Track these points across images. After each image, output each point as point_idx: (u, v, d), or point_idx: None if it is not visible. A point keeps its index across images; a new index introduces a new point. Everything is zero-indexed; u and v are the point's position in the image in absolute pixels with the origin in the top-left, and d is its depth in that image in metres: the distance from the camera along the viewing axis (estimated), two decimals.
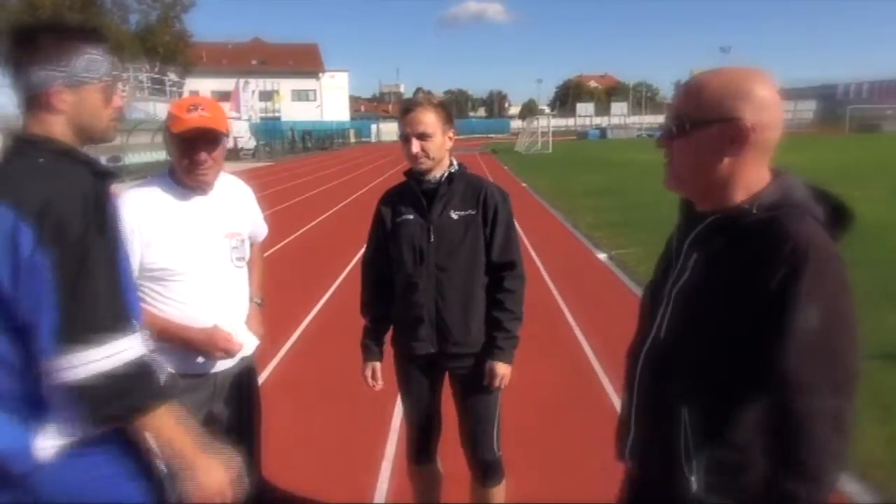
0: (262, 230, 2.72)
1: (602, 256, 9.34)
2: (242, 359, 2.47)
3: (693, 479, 1.43)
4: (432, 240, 2.56)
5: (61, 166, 1.55)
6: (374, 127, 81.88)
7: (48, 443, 1.50)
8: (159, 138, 29.94)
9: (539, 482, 3.27)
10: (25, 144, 1.57)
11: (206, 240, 2.34)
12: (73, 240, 1.44)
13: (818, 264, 1.28)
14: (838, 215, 1.40)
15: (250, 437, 2.52)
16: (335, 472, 3.62)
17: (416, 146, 2.49)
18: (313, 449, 3.88)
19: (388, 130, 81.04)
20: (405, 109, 2.54)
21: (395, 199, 2.68)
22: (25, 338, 1.45)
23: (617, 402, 4.45)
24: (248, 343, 2.47)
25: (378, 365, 2.77)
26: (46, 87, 1.56)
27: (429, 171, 2.56)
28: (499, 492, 2.79)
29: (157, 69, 43.23)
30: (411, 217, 2.60)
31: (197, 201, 2.35)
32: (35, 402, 1.50)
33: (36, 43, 1.57)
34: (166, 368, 1.77)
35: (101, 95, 1.64)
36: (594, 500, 3.34)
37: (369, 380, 2.79)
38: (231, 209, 2.46)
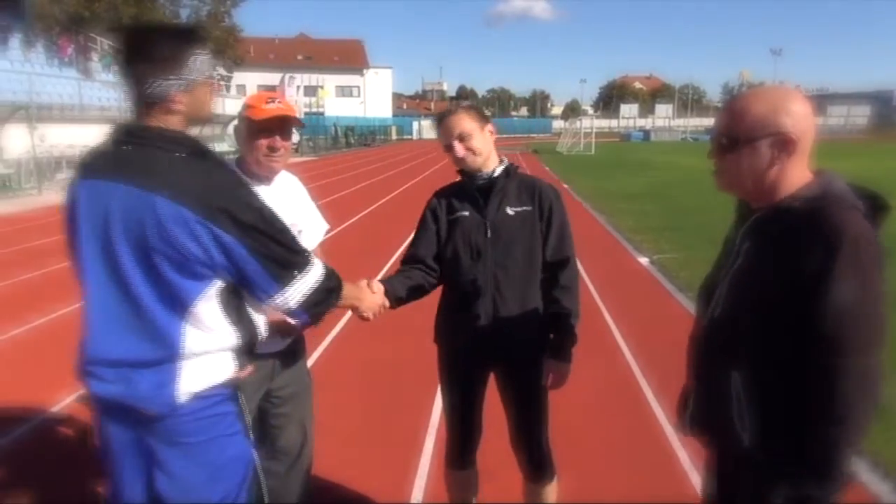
0: (321, 228, 2.82)
1: (643, 261, 9.25)
2: (294, 340, 2.62)
3: (745, 435, 1.65)
4: (489, 236, 2.57)
5: (203, 162, 1.77)
6: (415, 124, 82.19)
7: (185, 389, 1.73)
8: (207, 131, 30.59)
9: (577, 482, 3.29)
10: (160, 138, 1.73)
11: None
12: (242, 217, 1.70)
13: (852, 245, 1.49)
14: (876, 207, 1.61)
15: (304, 409, 2.74)
16: (373, 468, 3.67)
17: (459, 149, 2.55)
18: (351, 443, 3.94)
19: (430, 128, 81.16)
20: (439, 120, 2.61)
21: (449, 196, 2.69)
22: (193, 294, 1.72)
23: (655, 404, 4.45)
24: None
25: (381, 286, 2.53)
26: (167, 96, 1.74)
27: (480, 168, 2.59)
28: (553, 489, 2.81)
29: None
30: (467, 214, 2.61)
31: (261, 191, 2.45)
32: (179, 358, 1.73)
33: (152, 55, 1.72)
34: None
35: (208, 89, 1.83)
36: (632, 500, 3.35)
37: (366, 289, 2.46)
38: (289, 201, 2.59)
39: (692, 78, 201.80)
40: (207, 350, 1.77)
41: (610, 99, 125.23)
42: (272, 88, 51.31)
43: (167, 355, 1.72)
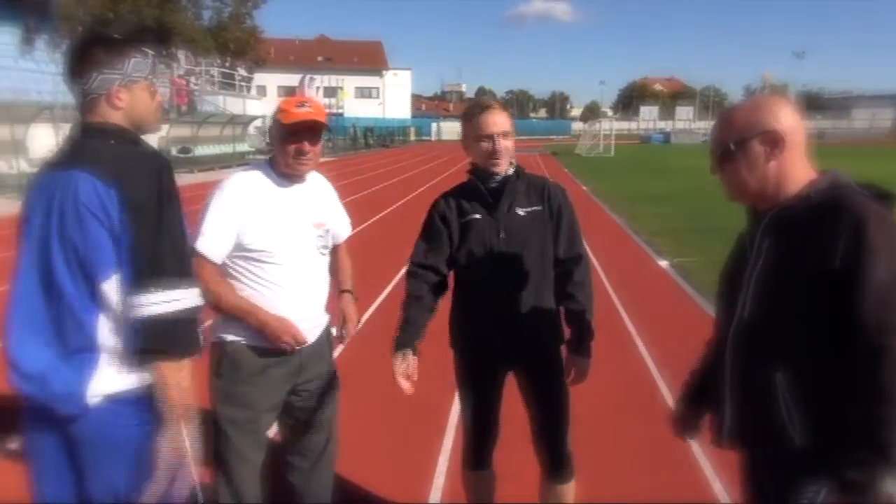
0: (345, 227, 2.86)
1: (663, 264, 9.19)
2: (322, 334, 2.67)
3: (796, 435, 1.62)
4: (503, 237, 2.57)
5: (131, 147, 1.86)
6: (434, 125, 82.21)
7: (97, 390, 1.75)
8: (228, 131, 30.94)
9: (595, 483, 3.28)
10: (97, 130, 1.86)
11: (297, 227, 2.51)
12: (146, 204, 1.74)
13: (880, 227, 1.52)
14: (881, 198, 1.64)
15: (330, 405, 2.77)
16: (390, 469, 3.69)
17: (501, 144, 2.54)
18: (368, 445, 3.95)
19: (449, 129, 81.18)
20: (483, 110, 2.56)
21: (458, 198, 2.66)
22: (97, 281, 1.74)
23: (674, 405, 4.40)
24: (325, 317, 2.70)
25: (415, 360, 2.54)
26: (108, 89, 1.85)
27: (503, 170, 2.59)
28: (571, 489, 2.80)
29: (227, 64, 44.41)
30: (479, 216, 2.60)
31: (292, 190, 2.54)
32: (93, 350, 1.76)
33: (92, 55, 1.86)
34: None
35: (147, 92, 1.93)
36: (650, 501, 3.33)
37: (403, 376, 2.54)
38: (318, 201, 2.64)
39: (714, 80, 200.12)
40: (121, 345, 1.77)
41: (630, 101, 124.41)
42: (292, 89, 51.58)
43: (81, 345, 1.73)
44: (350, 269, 2.89)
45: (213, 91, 37.77)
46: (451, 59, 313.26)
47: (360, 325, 2.82)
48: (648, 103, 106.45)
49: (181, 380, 1.82)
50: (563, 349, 2.74)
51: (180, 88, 30.32)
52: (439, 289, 2.67)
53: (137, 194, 1.72)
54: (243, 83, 45.31)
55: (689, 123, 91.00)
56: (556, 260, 2.66)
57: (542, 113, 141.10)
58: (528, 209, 2.61)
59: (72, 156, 1.79)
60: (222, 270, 2.48)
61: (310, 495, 2.74)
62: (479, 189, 2.63)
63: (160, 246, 1.76)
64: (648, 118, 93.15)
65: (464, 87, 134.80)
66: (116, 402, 1.76)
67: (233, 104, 37.45)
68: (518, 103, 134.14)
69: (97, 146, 1.80)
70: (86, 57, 1.85)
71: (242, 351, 2.45)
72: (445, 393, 4.52)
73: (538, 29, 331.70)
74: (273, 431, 2.73)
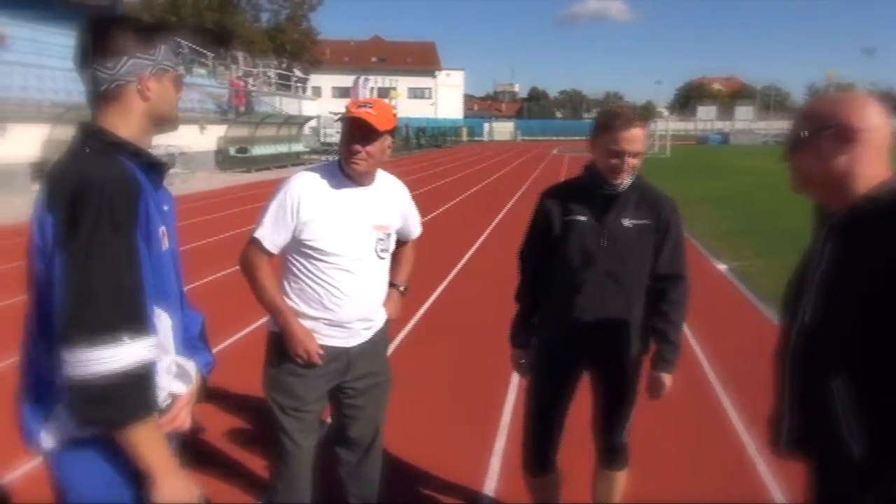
0: (416, 229, 2.86)
1: (722, 267, 8.97)
2: (376, 334, 2.67)
3: (854, 446, 1.55)
4: (604, 245, 2.53)
5: (100, 157, 1.55)
6: (486, 126, 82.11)
7: (50, 435, 1.55)
8: (284, 131, 31.57)
9: (652, 482, 3.25)
10: (86, 135, 1.61)
11: (356, 227, 2.52)
12: (83, 235, 1.43)
13: None
14: None
15: (378, 403, 2.76)
16: (443, 466, 3.68)
17: (629, 164, 2.47)
18: (422, 440, 3.96)
19: (501, 129, 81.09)
20: (624, 124, 2.44)
21: (565, 197, 2.64)
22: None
23: (731, 411, 4.35)
24: (380, 319, 2.70)
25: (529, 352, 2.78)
26: (139, 75, 1.61)
27: (622, 184, 2.53)
28: (623, 477, 2.83)
29: (284, 65, 45.30)
30: (584, 219, 2.56)
31: (355, 191, 2.54)
32: (46, 393, 1.54)
33: (121, 36, 1.60)
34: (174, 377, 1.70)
35: (174, 84, 1.70)
36: (707, 501, 3.29)
37: (520, 367, 2.83)
38: (384, 204, 2.61)
39: (775, 79, 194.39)
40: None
41: (686, 101, 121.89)
42: (346, 90, 52.23)
43: (38, 379, 1.55)
44: (409, 265, 2.88)
45: (270, 92, 38.56)
46: (504, 60, 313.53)
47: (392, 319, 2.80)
48: (706, 103, 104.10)
49: (145, 446, 1.50)
50: (647, 360, 2.73)
51: (238, 90, 31.03)
52: (545, 280, 2.69)
53: (74, 222, 1.43)
54: (299, 84, 46.15)
55: (749, 123, 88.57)
56: (655, 274, 2.60)
57: (596, 113, 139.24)
58: (636, 221, 2.55)
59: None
60: (278, 262, 2.55)
61: (357, 491, 2.78)
62: (591, 191, 2.58)
63: (91, 283, 1.42)
64: (706, 118, 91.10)
65: (516, 88, 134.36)
66: (79, 445, 1.53)
67: (288, 105, 38.16)
68: (571, 104, 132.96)
69: (70, 158, 1.57)
70: (113, 38, 1.59)
71: None
72: (499, 389, 4.51)
73: (592, 28, 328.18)
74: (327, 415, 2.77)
